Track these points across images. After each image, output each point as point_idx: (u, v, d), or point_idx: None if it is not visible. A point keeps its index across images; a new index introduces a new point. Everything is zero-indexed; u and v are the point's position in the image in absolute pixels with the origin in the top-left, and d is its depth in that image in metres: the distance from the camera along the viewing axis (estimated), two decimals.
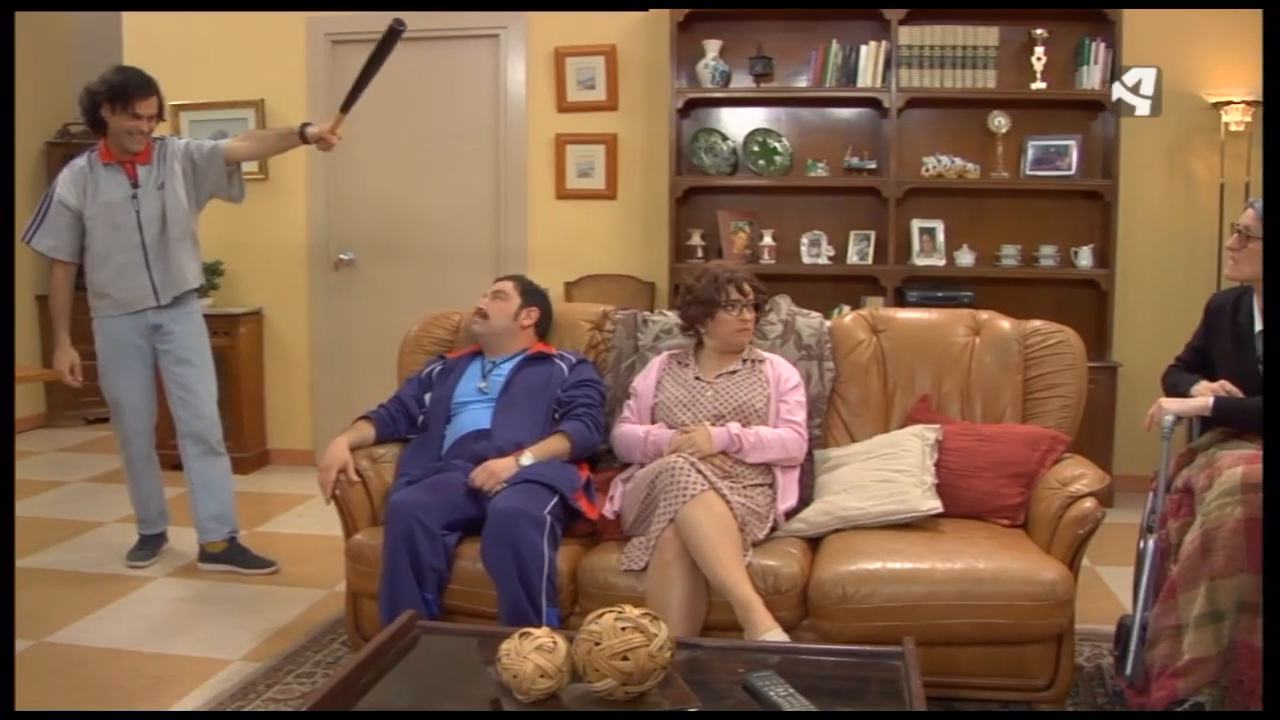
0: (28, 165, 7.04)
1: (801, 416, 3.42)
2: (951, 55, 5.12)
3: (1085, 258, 5.16)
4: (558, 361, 3.60)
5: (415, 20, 5.62)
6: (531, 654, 2.16)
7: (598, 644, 2.15)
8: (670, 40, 5.19)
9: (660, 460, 3.14)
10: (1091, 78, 5.05)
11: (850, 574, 2.95)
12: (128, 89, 4.06)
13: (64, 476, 5.88)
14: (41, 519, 5.09)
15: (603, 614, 2.21)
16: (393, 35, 4.02)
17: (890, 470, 3.31)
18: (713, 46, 5.23)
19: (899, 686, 2.33)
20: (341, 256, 5.94)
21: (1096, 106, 5.13)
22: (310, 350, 6.07)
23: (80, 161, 4.22)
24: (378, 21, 5.60)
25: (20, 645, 3.57)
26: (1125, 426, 5.05)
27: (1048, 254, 5.21)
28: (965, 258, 5.20)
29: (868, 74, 5.14)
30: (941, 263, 5.22)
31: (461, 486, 3.27)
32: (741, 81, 5.34)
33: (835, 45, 5.19)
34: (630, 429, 3.44)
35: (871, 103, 5.23)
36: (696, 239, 5.32)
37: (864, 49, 5.14)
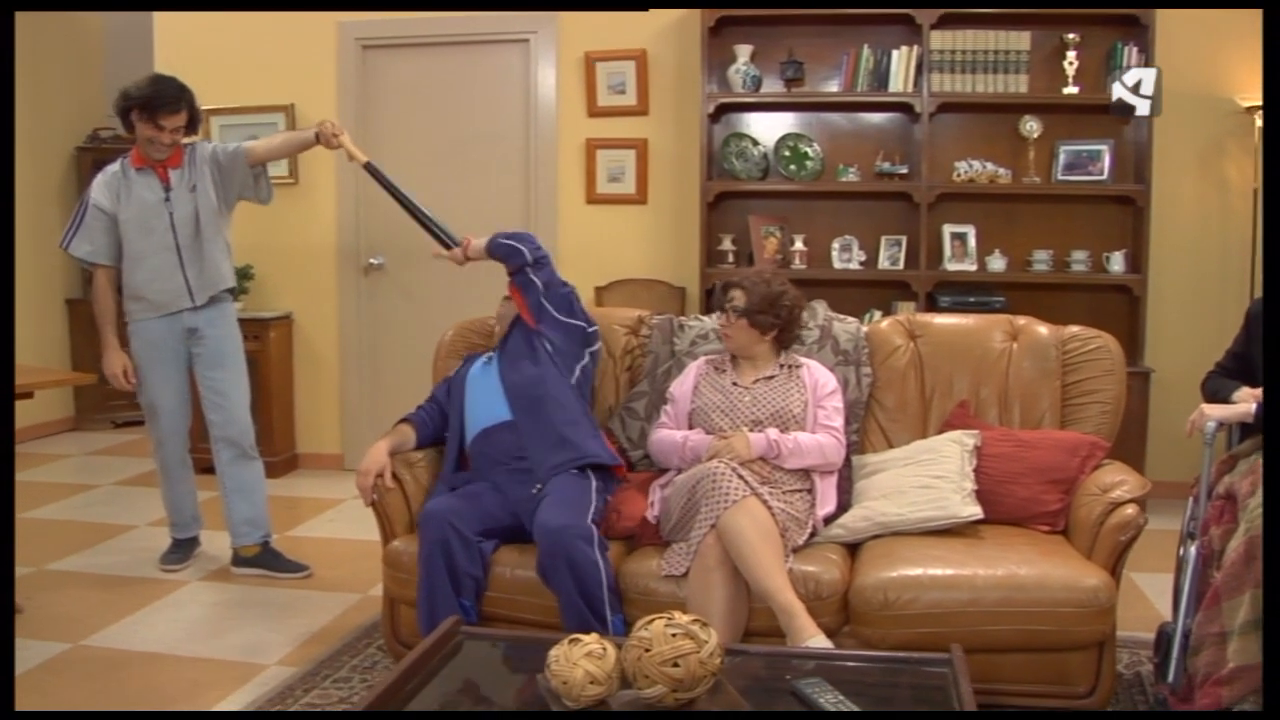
0: (58, 171, 7.08)
1: (839, 422, 3.41)
2: (983, 60, 5.10)
3: (1117, 263, 5.14)
4: None
5: (445, 25, 5.70)
6: (581, 660, 2.16)
7: (648, 650, 2.15)
8: (701, 45, 5.19)
9: (701, 466, 3.13)
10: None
11: (892, 580, 2.94)
12: (155, 101, 4.10)
13: (94, 480, 5.91)
14: (73, 522, 5.12)
15: (652, 620, 2.20)
16: (435, 232, 4.00)
17: (929, 476, 3.29)
18: (744, 51, 5.22)
19: (948, 693, 2.32)
20: (371, 261, 5.95)
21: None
22: (340, 354, 6.08)
23: (114, 167, 4.27)
24: (410, 26, 5.69)
25: (57, 648, 3.60)
26: (1158, 432, 5.02)
27: (1079, 259, 5.18)
28: (997, 263, 5.17)
29: (899, 79, 5.12)
30: (973, 268, 5.19)
31: (495, 494, 3.27)
32: (771, 86, 5.33)
33: (867, 50, 5.17)
34: (668, 434, 3.44)
35: (902, 107, 5.22)
36: (727, 244, 5.30)
37: (895, 54, 5.12)
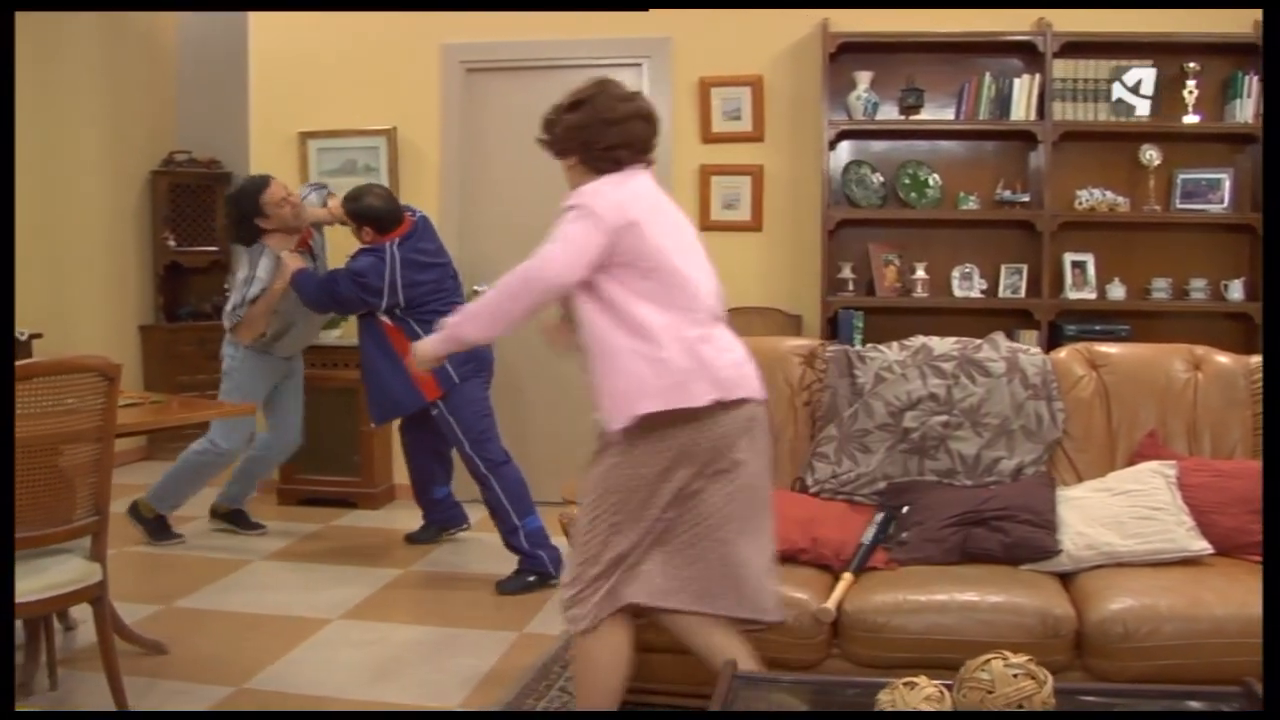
0: (133, 194, 6.95)
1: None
2: (1105, 89, 5.10)
3: (1236, 290, 5.13)
4: None
5: (553, 49, 5.63)
6: (920, 704, 2.08)
7: (990, 693, 2.08)
8: (823, 71, 5.15)
9: None
10: (1244, 111, 5.03)
11: (1130, 611, 2.88)
12: (250, 188, 4.88)
13: (186, 512, 5.71)
14: (184, 557, 4.97)
15: (988, 660, 2.13)
16: None
17: (1146, 508, 3.22)
18: (864, 78, 5.18)
19: None
20: (475, 288, 5.81)
21: (1247, 139, 5.10)
22: None
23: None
24: (517, 50, 5.63)
25: (221, 692, 3.48)
26: None
27: (1198, 287, 5.17)
28: (1116, 291, 5.15)
29: (1021, 107, 5.10)
30: (1093, 296, 5.17)
31: None
32: (886, 113, 5.29)
33: (989, 78, 5.15)
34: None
35: (1022, 135, 5.19)
36: (847, 272, 5.26)
37: (1017, 82, 5.10)
